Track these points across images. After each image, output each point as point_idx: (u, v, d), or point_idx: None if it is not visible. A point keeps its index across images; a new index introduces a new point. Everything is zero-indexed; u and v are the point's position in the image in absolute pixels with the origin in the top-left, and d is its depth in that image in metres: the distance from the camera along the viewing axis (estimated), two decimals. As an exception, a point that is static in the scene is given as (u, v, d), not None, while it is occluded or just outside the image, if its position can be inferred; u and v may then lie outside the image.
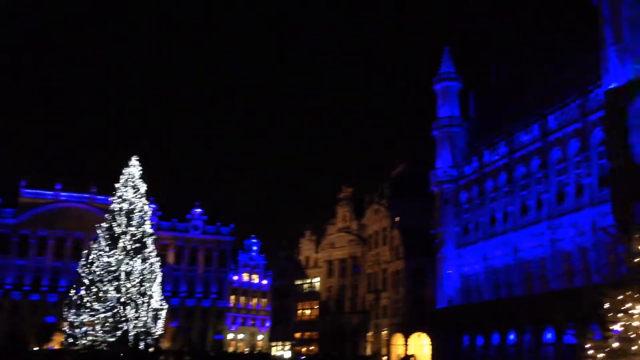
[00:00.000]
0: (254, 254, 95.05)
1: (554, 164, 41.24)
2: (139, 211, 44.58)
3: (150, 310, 42.93)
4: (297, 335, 79.90)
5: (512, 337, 41.92)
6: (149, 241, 44.38)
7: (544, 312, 37.58)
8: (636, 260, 16.34)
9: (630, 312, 15.83)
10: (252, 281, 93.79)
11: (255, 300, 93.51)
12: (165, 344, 57.36)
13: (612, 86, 33.93)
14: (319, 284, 78.27)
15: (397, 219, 62.89)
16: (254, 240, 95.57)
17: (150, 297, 43.24)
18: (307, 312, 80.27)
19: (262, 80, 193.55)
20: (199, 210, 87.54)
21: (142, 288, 42.74)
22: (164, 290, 49.14)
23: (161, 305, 44.45)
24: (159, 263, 45.51)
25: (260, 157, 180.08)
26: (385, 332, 63.32)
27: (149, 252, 44.17)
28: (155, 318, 43.66)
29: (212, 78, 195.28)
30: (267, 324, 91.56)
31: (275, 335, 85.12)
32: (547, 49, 50.66)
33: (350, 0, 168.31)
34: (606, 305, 16.35)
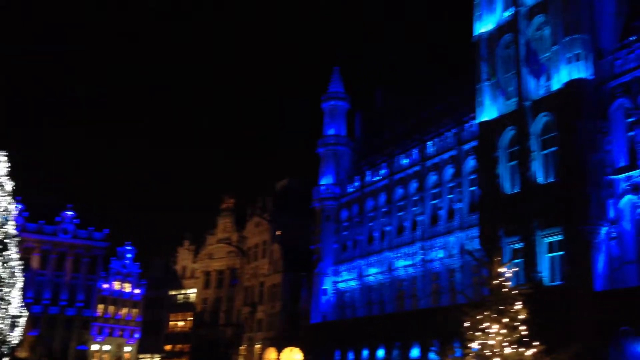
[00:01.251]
0: (127, 261, 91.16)
1: (430, 188, 43.30)
2: (2, 210, 41.26)
3: (7, 317, 39.79)
4: (168, 347, 77.45)
5: (381, 352, 43.18)
6: (11, 243, 41.16)
7: (412, 329, 39.16)
8: (495, 282, 17.45)
9: (487, 331, 16.85)
10: (124, 290, 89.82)
11: (125, 310, 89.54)
12: (22, 354, 53.34)
13: (484, 119, 36.29)
14: (194, 295, 76.48)
15: (277, 232, 63.09)
16: (129, 248, 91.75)
17: (9, 303, 40.09)
18: (180, 323, 78.10)
19: (146, 82, 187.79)
20: (70, 213, 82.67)
21: (0, 293, 39.50)
22: (25, 297, 45.75)
23: (20, 312, 41.35)
24: (22, 267, 42.34)
25: (142, 162, 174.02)
26: (258, 345, 63.00)
27: (10, 255, 40.95)
28: (13, 326, 40.52)
29: (89, 76, 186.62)
30: (137, 335, 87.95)
31: (144, 347, 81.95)
32: (430, 78, 53.41)
33: (241, 15, 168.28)
34: (466, 324, 17.27)
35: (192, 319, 75.30)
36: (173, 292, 79.53)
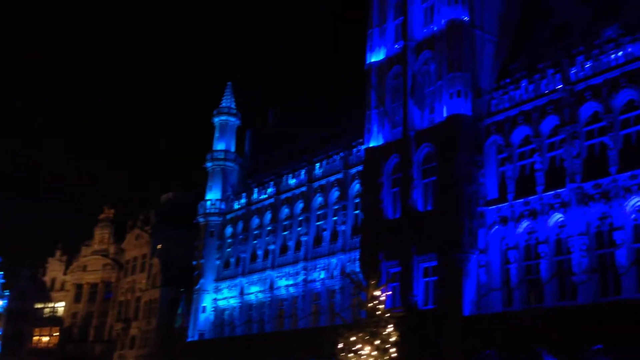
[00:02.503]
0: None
1: (316, 209, 43.88)
2: None
3: None
4: (30, 364, 72.12)
5: (257, 372, 42.76)
6: None
7: (290, 348, 39.14)
8: (370, 305, 17.91)
9: (359, 352, 17.20)
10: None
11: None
12: None
13: (371, 145, 37.47)
14: (62, 308, 72.02)
15: (159, 246, 61.11)
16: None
17: None
18: (45, 338, 73.15)
19: (31, 83, 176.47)
20: None
21: None
22: None
23: None
24: None
25: (16, 164, 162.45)
26: (130, 364, 60.26)
27: None
28: None
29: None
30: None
31: (3, 364, 75.70)
32: (322, 101, 54.44)
33: (136, 22, 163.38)
34: (340, 345, 17.53)
35: (58, 334, 70.79)
36: (39, 305, 74.46)
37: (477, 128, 32.90)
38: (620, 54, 27.86)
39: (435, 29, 35.25)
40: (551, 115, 30.03)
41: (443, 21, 34.52)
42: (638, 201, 26.10)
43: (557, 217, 28.88)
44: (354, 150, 41.17)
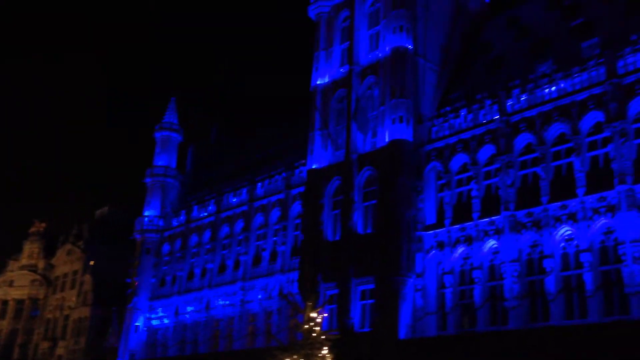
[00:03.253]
0: None
1: (256, 229, 43.55)
2: None
3: None
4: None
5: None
6: None
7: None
8: (306, 327, 17.86)
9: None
10: None
11: None
12: None
13: (314, 166, 37.64)
14: (-16, 326, 68.43)
15: (91, 262, 59.14)
16: None
17: None
18: (-37, 358, 69.10)
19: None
20: None
21: None
22: None
23: None
24: None
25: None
26: (55, 385, 57.68)
27: None
28: None
29: None
30: None
31: None
32: (267, 120, 54.45)
33: (73, 34, 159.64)
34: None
35: (-21, 353, 67.10)
36: (-41, 322, 70.43)
37: (417, 154, 33.60)
38: (553, 88, 29.15)
39: (380, 55, 35.99)
40: (488, 145, 31.01)
41: (388, 48, 35.29)
42: (567, 230, 27.14)
43: (491, 243, 29.69)
44: (297, 171, 41.25)
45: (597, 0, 32.68)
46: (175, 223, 51.48)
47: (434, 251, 31.75)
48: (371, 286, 32.50)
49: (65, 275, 63.71)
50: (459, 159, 32.30)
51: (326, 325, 32.10)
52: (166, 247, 51.66)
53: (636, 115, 26.35)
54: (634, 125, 26.30)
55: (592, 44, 29.77)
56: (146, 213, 53.27)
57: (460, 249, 30.79)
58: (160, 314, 49.18)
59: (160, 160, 55.00)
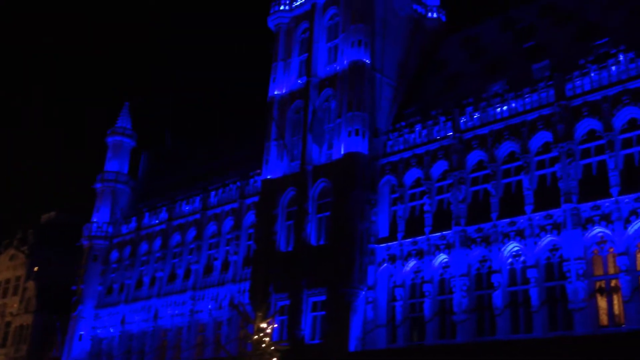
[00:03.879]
0: None
1: (209, 238, 43.01)
2: None
3: None
4: None
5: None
6: None
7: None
8: (255, 337, 17.72)
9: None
10: None
11: None
12: None
13: (268, 177, 37.52)
14: None
15: (35, 268, 57.26)
16: None
17: None
18: None
19: None
20: None
21: None
22: None
23: None
24: None
25: None
26: (-8, 395, 55.44)
27: None
28: None
29: None
30: None
31: None
32: (223, 128, 54.01)
33: (27, 37, 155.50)
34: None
35: None
36: None
37: (372, 167, 33.90)
38: (505, 108, 29.94)
39: (338, 68, 36.28)
40: (441, 160, 31.57)
41: (346, 61, 35.62)
42: (514, 247, 27.81)
43: (442, 257, 30.14)
44: (251, 180, 41.01)
45: (548, 25, 33.81)
46: (125, 230, 50.41)
47: (385, 264, 32.01)
48: (323, 298, 32.49)
49: (8, 280, 61.51)
50: (413, 174, 32.77)
51: (276, 336, 31.91)
52: (114, 255, 50.50)
53: (582, 136, 27.30)
54: (580, 146, 27.22)
55: (542, 66, 30.75)
56: (95, 219, 52.01)
57: (412, 263, 31.15)
58: (106, 323, 47.94)
59: (111, 166, 53.84)
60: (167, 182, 52.85)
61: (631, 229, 24.62)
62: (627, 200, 24.90)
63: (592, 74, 27.25)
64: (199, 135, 56.44)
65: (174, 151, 58.00)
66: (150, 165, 57.63)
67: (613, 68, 26.70)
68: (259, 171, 39.63)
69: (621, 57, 26.53)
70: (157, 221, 47.48)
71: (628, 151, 25.95)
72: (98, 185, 52.95)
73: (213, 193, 43.65)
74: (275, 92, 39.22)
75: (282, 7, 40.69)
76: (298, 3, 40.22)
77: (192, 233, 44.22)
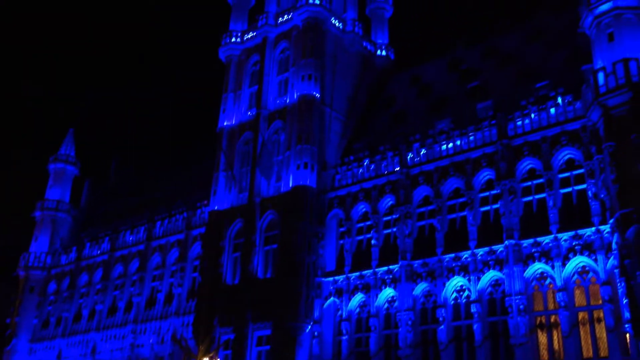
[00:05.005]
0: None
1: (152, 269, 41.99)
2: None
3: None
4: None
5: None
6: None
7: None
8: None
9: None
10: None
11: None
12: None
13: (216, 208, 37.11)
14: None
15: (-34, 300, 54.46)
16: None
17: None
18: None
19: None
20: None
21: None
22: None
23: None
24: None
25: None
26: None
27: None
28: None
29: None
30: None
31: None
32: (171, 157, 53.15)
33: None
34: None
35: None
36: None
37: (320, 200, 34.02)
38: (450, 145, 30.71)
39: (288, 101, 36.54)
40: (388, 195, 31.99)
41: (296, 95, 35.94)
42: (459, 282, 28.24)
43: (388, 292, 30.31)
44: (198, 211, 40.44)
45: (491, 67, 35.09)
46: (64, 260, 48.69)
47: (332, 298, 31.94)
48: (268, 332, 32.06)
49: None
50: (360, 208, 33.06)
51: (220, 372, 31.18)
52: (52, 286, 48.62)
53: (523, 175, 28.21)
54: (521, 184, 28.10)
55: (486, 106, 31.78)
56: (33, 249, 50.07)
57: (359, 297, 31.19)
58: (41, 358, 45.83)
59: (52, 194, 52.13)
60: (111, 211, 51.53)
61: (569, 266, 25.42)
62: (565, 237, 25.74)
63: (533, 115, 28.33)
64: (145, 164, 55.36)
65: (119, 179, 56.75)
66: (93, 194, 56.15)
67: (552, 110, 27.84)
68: (206, 202, 39.18)
69: (560, 100, 27.71)
70: (98, 252, 46.10)
71: (566, 190, 26.93)
72: (37, 214, 51.11)
73: (159, 223, 42.76)
74: (225, 123, 39.11)
75: (233, 39, 40.89)
76: (249, 36, 40.51)
77: (135, 264, 43.09)
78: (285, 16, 38.92)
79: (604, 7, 25.84)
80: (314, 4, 37.17)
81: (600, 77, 24.89)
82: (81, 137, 55.28)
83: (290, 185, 33.99)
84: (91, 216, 53.66)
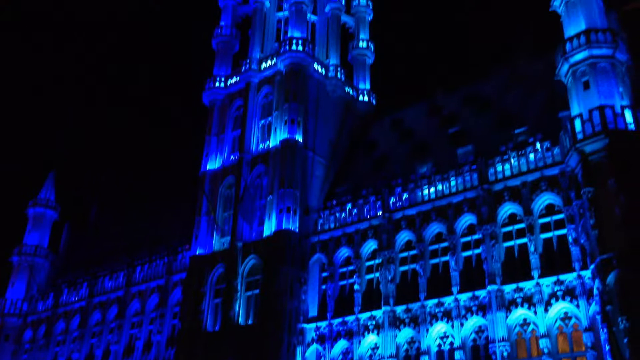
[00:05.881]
0: None
1: (131, 316, 41.08)
2: None
3: None
4: None
5: None
6: None
7: None
8: None
9: None
10: None
11: None
12: None
13: (197, 253, 36.70)
14: None
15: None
16: None
17: None
18: None
19: None
20: None
21: None
22: None
23: None
24: None
25: None
26: None
27: None
28: None
29: None
30: None
31: None
32: (153, 200, 52.62)
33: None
34: None
35: None
36: None
37: (303, 245, 33.81)
38: (432, 190, 30.86)
39: (270, 145, 36.66)
40: (371, 239, 31.91)
41: (278, 139, 36.09)
42: (442, 328, 27.96)
43: (371, 338, 29.89)
44: (179, 256, 39.89)
45: (471, 113, 35.61)
46: (41, 307, 47.51)
47: (315, 345, 31.45)
48: (250, 380, 31.31)
49: None
50: (343, 252, 32.91)
51: None
52: (28, 334, 47.28)
53: (504, 220, 28.33)
54: (503, 229, 28.20)
55: (467, 150, 32.10)
56: (9, 295, 48.79)
57: (341, 344, 30.74)
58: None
59: (31, 239, 51.11)
60: (90, 256, 50.59)
61: (552, 312, 25.32)
62: (547, 283, 25.74)
63: (512, 160, 28.66)
64: (126, 207, 54.71)
65: (99, 223, 55.98)
66: (72, 238, 55.21)
67: (531, 156, 28.20)
68: (187, 246, 38.73)
69: (538, 146, 28.09)
70: (76, 298, 45.09)
71: (547, 235, 27.04)
72: (15, 259, 50.01)
73: (139, 268, 42.06)
74: (208, 167, 39.04)
75: (217, 84, 41.20)
76: (233, 81, 40.87)
77: (113, 311, 42.15)
78: (269, 61, 39.41)
79: (579, 56, 26.49)
80: (297, 50, 37.72)
81: (577, 123, 25.34)
82: (62, 180, 54.53)
83: (273, 229, 33.79)
84: (70, 261, 52.65)
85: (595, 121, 24.83)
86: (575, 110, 26.24)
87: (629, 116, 24.92)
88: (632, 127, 24.68)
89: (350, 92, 41.64)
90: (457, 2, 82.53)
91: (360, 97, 42.25)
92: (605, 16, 27.65)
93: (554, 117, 29.23)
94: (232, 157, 38.84)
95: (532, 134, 29.34)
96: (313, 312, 32.59)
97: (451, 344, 27.59)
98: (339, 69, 40.80)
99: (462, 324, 27.31)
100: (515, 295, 26.30)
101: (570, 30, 27.52)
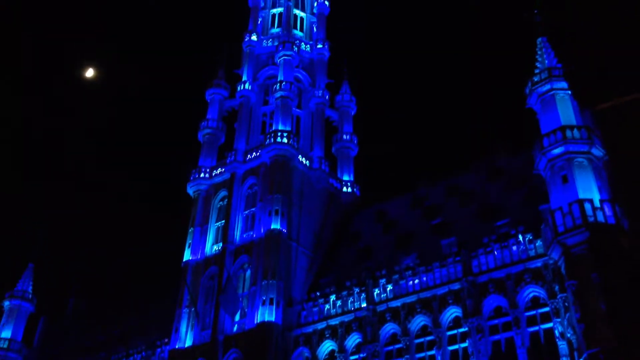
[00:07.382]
0: None
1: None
2: None
3: None
4: None
5: None
6: None
7: None
8: None
9: None
10: None
11: None
12: None
13: (177, 346, 35.57)
14: None
15: None
16: None
17: None
18: None
19: None
20: None
21: None
22: None
23: None
24: None
25: None
26: None
27: None
28: None
29: None
30: None
31: None
32: (131, 292, 51.47)
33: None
34: None
35: None
36: None
37: (286, 338, 33.00)
38: (416, 281, 30.65)
39: (254, 236, 36.56)
40: (355, 332, 31.27)
41: (262, 230, 36.04)
42: None
43: None
44: (158, 350, 38.63)
45: (453, 204, 36.05)
46: (7, 405, 45.15)
47: None
48: None
49: None
50: (327, 346, 32.12)
51: None
52: None
53: (490, 312, 28.03)
54: (489, 322, 27.82)
55: (450, 242, 32.22)
56: (-24, 394, 46.40)
57: None
58: None
59: (5, 332, 49.23)
60: (66, 351, 48.70)
61: (542, 409, 24.59)
62: (535, 378, 25.12)
63: (496, 252, 28.76)
64: (103, 301, 53.31)
65: (76, 315, 54.31)
66: (48, 331, 53.33)
67: (514, 247, 28.34)
68: (167, 340, 37.58)
69: (521, 238, 28.31)
70: (48, 395, 43.00)
71: (533, 329, 26.72)
72: (-14, 355, 47.97)
73: (114, 364, 40.52)
74: (190, 258, 38.61)
75: (202, 175, 41.49)
76: (218, 172, 41.23)
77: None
78: (254, 153, 40.03)
79: (556, 151, 27.33)
80: (282, 143, 38.46)
81: (558, 216, 25.73)
82: (40, 273, 53.22)
83: (255, 322, 33.06)
84: (44, 355, 50.59)
85: (576, 214, 25.23)
86: (555, 203, 26.72)
87: (608, 210, 25.39)
88: (611, 220, 25.08)
89: (335, 184, 42.13)
90: (437, 99, 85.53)
91: (344, 189, 42.70)
92: (580, 114, 28.81)
93: (534, 210, 29.66)
94: (215, 247, 38.56)
95: (513, 226, 29.64)
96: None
97: None
98: (323, 161, 41.47)
99: (450, 423, 26.32)
100: (504, 392, 25.60)
101: (546, 127, 28.52)
